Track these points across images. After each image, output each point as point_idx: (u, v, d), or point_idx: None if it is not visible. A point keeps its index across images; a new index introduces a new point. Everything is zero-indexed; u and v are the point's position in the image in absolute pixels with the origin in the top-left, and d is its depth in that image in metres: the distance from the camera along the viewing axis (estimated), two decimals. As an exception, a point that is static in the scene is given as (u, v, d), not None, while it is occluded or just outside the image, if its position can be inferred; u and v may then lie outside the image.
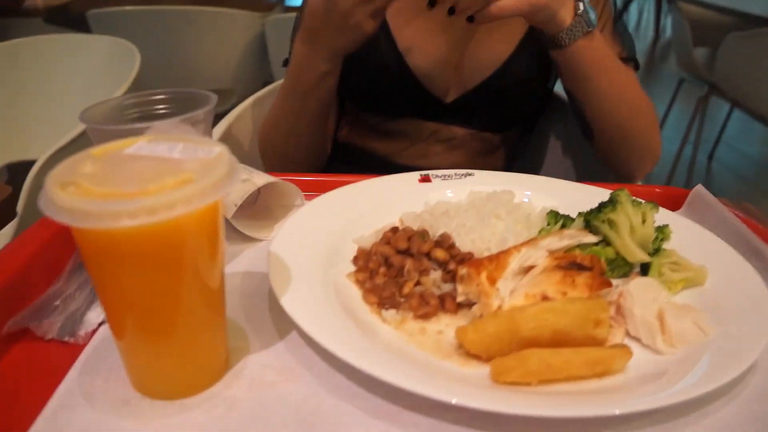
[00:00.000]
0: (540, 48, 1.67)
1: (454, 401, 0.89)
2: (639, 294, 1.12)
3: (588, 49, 1.44)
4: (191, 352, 0.94)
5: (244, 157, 2.03)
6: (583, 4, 1.37)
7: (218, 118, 2.45)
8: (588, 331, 1.03)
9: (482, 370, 1.02)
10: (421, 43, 1.70)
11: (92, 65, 3.25)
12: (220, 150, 0.82)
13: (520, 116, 2.01)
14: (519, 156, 2.17)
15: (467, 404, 0.88)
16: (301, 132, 1.69)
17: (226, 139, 2.19)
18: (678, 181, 4.84)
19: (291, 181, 1.47)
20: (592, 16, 1.38)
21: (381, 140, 1.82)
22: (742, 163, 5.74)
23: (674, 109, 5.57)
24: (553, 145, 2.35)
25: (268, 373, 1.03)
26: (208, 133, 1.24)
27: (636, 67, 1.65)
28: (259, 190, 1.57)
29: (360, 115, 1.83)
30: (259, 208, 1.56)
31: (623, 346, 1.01)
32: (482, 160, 1.86)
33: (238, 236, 1.41)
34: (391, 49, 1.67)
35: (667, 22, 10.98)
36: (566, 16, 1.37)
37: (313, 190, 1.50)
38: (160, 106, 1.26)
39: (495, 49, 1.80)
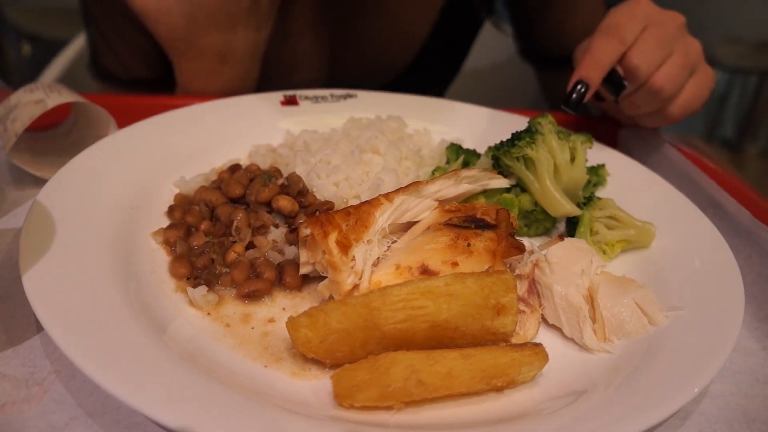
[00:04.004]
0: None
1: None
2: (562, 264, 0.79)
3: None
4: None
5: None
6: None
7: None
8: (485, 322, 0.69)
9: (323, 383, 0.67)
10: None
11: None
12: None
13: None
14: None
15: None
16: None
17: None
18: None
19: (119, 100, 1.06)
20: None
21: None
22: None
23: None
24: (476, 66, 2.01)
25: (0, 388, 0.68)
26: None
27: None
28: (76, 118, 1.17)
29: None
30: (73, 141, 1.15)
31: (535, 347, 0.67)
32: None
33: (29, 178, 1.02)
34: None
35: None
36: None
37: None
38: None
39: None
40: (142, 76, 1.45)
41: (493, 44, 2.34)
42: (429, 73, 1.67)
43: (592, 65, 1.02)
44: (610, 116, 1.28)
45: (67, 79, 2.04)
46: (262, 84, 1.40)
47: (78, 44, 2.18)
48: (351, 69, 1.54)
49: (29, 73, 3.55)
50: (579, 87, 1.02)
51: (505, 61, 2.31)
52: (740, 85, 3.70)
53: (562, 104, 1.03)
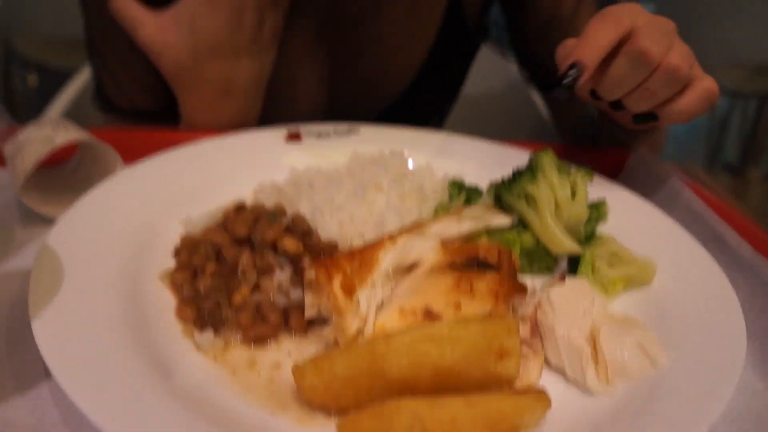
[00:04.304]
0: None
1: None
2: (564, 305, 0.80)
3: None
4: None
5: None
6: None
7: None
8: (489, 366, 0.70)
9: (329, 431, 0.67)
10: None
11: None
12: None
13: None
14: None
15: None
16: None
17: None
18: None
19: (125, 135, 1.07)
20: None
21: None
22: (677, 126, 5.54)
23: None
24: (474, 96, 2.02)
25: None
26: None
27: None
28: (83, 154, 1.19)
29: None
30: (80, 178, 1.16)
31: (537, 393, 0.68)
32: None
33: (36, 217, 1.03)
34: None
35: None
36: None
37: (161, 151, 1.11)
38: None
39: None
40: (146, 108, 1.47)
41: (494, 70, 2.36)
42: (428, 96, 1.68)
43: (588, 46, 0.96)
44: (614, 144, 1.28)
45: (74, 111, 2.06)
46: (264, 112, 1.42)
47: (84, 75, 2.20)
48: (351, 95, 1.55)
49: (36, 102, 3.58)
50: (574, 70, 0.96)
51: (507, 87, 2.33)
52: (741, 108, 3.74)
53: (553, 86, 0.98)
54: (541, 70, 1.66)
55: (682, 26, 1.05)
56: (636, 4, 1.02)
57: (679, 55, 0.98)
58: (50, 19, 3.47)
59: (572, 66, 0.97)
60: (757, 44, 3.81)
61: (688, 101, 1.04)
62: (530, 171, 0.94)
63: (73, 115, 2.03)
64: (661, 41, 0.98)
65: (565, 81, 0.97)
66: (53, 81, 2.37)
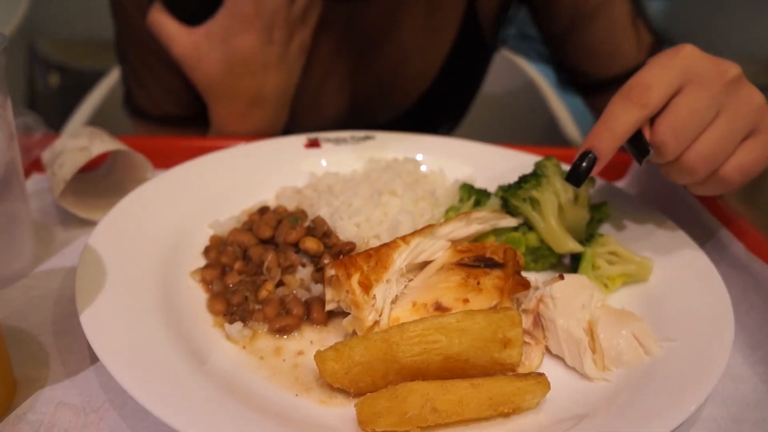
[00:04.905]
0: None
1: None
2: (564, 299, 0.86)
3: None
4: None
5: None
6: None
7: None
8: (493, 354, 0.76)
9: (348, 410, 0.75)
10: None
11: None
12: None
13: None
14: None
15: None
16: None
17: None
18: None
19: (154, 142, 1.15)
20: None
21: None
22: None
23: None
24: (488, 102, 2.08)
25: (62, 415, 0.77)
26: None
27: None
28: (114, 161, 1.26)
29: None
30: (113, 182, 1.24)
31: (538, 377, 0.75)
32: None
33: (74, 218, 1.12)
34: None
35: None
36: None
37: (188, 157, 1.18)
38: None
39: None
40: (175, 114, 1.55)
41: (509, 72, 2.40)
42: (444, 101, 1.73)
43: (603, 133, 0.86)
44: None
45: (101, 113, 2.12)
46: (291, 118, 1.49)
47: (110, 79, 2.27)
48: (370, 100, 1.62)
49: (58, 102, 3.67)
50: (588, 157, 0.87)
51: (520, 88, 2.37)
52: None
53: (566, 177, 0.91)
54: (577, 73, 1.62)
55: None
56: (690, 51, 0.89)
57: (702, 150, 0.87)
58: (71, 22, 3.57)
59: (585, 153, 0.88)
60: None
61: (704, 189, 0.94)
62: (535, 177, 1.00)
63: (100, 116, 2.10)
64: (686, 129, 0.86)
65: (580, 170, 0.88)
66: (74, 81, 2.43)
